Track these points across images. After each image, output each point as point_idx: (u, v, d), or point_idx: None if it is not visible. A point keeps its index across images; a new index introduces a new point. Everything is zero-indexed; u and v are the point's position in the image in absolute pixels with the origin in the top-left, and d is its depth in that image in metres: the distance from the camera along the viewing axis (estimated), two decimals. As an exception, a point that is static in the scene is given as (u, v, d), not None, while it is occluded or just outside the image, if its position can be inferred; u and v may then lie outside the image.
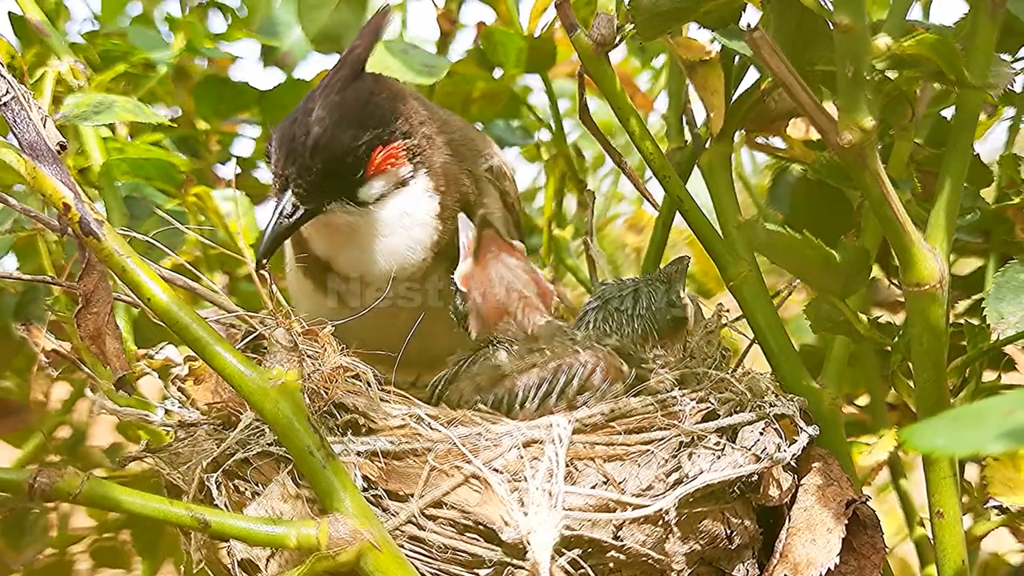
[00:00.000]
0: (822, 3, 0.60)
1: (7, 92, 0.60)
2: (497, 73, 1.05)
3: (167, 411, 0.70)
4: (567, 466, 0.60)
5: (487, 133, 1.20)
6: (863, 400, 1.02)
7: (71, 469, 0.56)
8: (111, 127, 0.94)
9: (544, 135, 1.19)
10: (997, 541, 0.95)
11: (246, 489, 0.63)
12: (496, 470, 0.60)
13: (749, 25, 0.58)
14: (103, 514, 1.17)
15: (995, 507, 0.77)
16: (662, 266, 0.81)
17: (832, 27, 0.55)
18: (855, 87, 0.55)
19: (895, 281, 0.91)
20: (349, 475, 0.59)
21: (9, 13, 0.97)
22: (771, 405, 0.68)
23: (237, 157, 1.14)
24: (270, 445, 0.62)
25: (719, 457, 0.64)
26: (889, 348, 0.82)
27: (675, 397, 0.65)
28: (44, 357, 0.73)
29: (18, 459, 1.06)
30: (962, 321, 0.78)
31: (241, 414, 0.64)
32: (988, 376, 0.81)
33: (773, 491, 0.66)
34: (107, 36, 1.04)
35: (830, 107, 0.60)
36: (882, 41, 0.56)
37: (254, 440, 0.63)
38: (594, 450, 0.62)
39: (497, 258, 0.78)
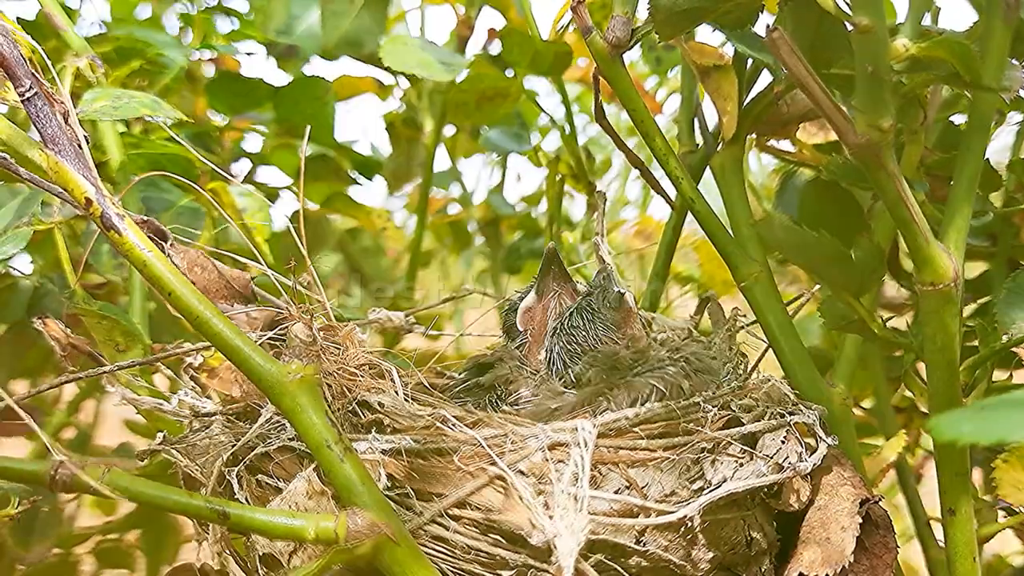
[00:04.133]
0: (839, 5, 0.61)
1: (30, 87, 0.60)
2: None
3: (181, 401, 0.70)
4: (591, 470, 0.60)
5: (488, 138, 1.22)
6: (868, 403, 1.03)
7: (92, 460, 0.56)
8: (126, 123, 0.95)
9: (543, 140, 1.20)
10: (1000, 543, 0.96)
11: (268, 484, 0.63)
12: (521, 472, 0.60)
13: (768, 26, 0.58)
14: (111, 511, 1.17)
15: (1003, 508, 0.77)
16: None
17: (851, 28, 0.55)
18: (874, 87, 0.56)
19: (903, 283, 0.92)
20: (367, 469, 0.59)
21: (18, 19, 0.98)
22: (791, 413, 0.69)
23: (250, 155, 1.14)
24: (291, 440, 0.63)
25: (742, 465, 0.64)
26: (898, 351, 0.82)
27: (698, 404, 0.65)
28: (60, 351, 0.73)
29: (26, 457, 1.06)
30: (970, 324, 0.78)
31: (261, 408, 0.64)
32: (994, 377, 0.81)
33: (793, 499, 0.67)
34: (115, 38, 1.04)
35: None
36: (900, 42, 0.57)
37: (275, 434, 0.63)
38: (618, 455, 0.62)
39: (557, 297, 0.80)
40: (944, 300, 0.63)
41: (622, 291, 0.76)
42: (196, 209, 0.90)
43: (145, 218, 0.60)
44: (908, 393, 1.01)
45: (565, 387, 0.72)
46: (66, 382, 0.68)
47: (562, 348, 0.75)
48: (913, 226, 0.61)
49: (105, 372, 0.70)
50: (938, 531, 0.85)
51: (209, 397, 0.72)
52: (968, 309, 0.93)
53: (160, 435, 0.69)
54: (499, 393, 0.73)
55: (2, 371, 0.98)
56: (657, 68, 1.19)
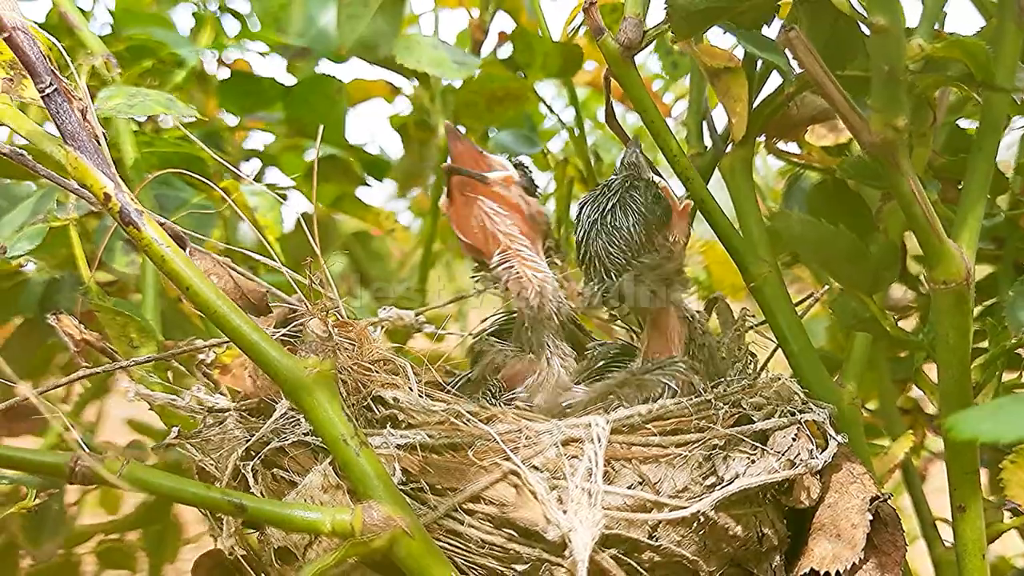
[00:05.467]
0: (853, 6, 0.62)
1: (50, 84, 0.61)
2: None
3: (194, 396, 0.71)
4: (605, 466, 0.60)
5: (497, 140, 1.22)
6: (873, 404, 1.03)
7: (111, 453, 0.57)
8: (138, 122, 0.95)
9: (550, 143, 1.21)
10: (1004, 545, 0.96)
11: (283, 478, 0.63)
12: (535, 467, 0.60)
13: (783, 26, 0.59)
14: (113, 510, 1.18)
15: (1010, 509, 0.78)
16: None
17: (868, 28, 0.56)
18: (890, 86, 0.57)
19: (910, 285, 0.93)
20: (382, 464, 0.59)
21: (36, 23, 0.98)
22: (801, 411, 0.69)
23: (260, 154, 1.15)
24: (306, 435, 0.63)
25: (754, 461, 0.64)
26: (904, 353, 0.82)
27: (709, 401, 0.66)
28: (74, 347, 0.73)
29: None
30: (977, 325, 0.79)
31: (275, 403, 0.65)
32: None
33: (803, 496, 0.67)
34: (128, 37, 1.05)
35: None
36: (916, 42, 0.58)
37: (289, 429, 0.63)
38: (631, 451, 0.63)
39: (473, 202, 0.73)
40: (957, 298, 0.64)
41: (656, 179, 0.72)
42: (208, 207, 0.90)
43: (163, 221, 0.61)
44: (913, 395, 1.02)
45: (594, 298, 0.70)
46: (81, 377, 0.68)
47: (602, 249, 0.70)
48: (926, 224, 0.61)
49: (119, 368, 0.70)
50: (943, 531, 0.85)
51: (222, 393, 0.73)
52: (976, 311, 0.93)
53: (175, 430, 0.69)
54: (491, 388, 0.73)
55: (13, 368, 0.98)
56: (673, 73, 1.20)
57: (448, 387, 0.75)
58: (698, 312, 0.77)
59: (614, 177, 0.73)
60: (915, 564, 1.09)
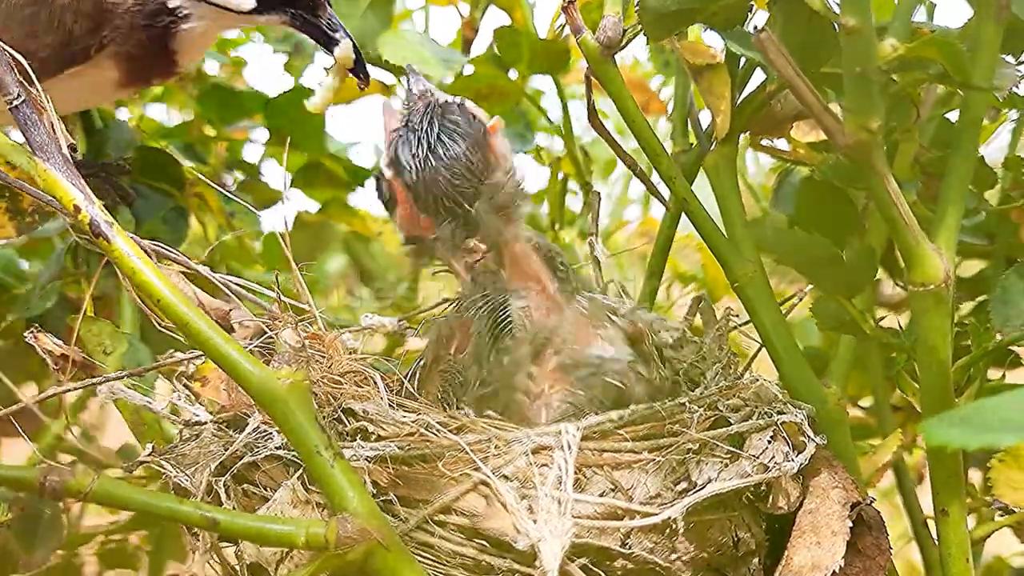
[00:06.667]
0: (828, 5, 0.61)
1: (18, 95, 0.60)
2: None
3: (173, 404, 0.70)
4: (576, 473, 0.59)
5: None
6: (866, 402, 1.02)
7: (81, 467, 0.57)
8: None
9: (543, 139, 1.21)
10: (1001, 545, 0.95)
11: (254, 494, 0.63)
12: (505, 477, 0.59)
13: (756, 27, 0.58)
14: (117, 511, 1.18)
15: (999, 508, 0.77)
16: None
17: (839, 29, 0.55)
18: (863, 88, 0.56)
19: (900, 282, 0.92)
20: (357, 475, 0.59)
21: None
22: (779, 412, 0.68)
23: (242, 162, 1.15)
24: (278, 449, 0.62)
25: (727, 465, 0.63)
26: (894, 354, 0.81)
27: (683, 404, 0.65)
28: (53, 364, 0.73)
29: (28, 460, 1.06)
30: (966, 322, 0.78)
31: (249, 416, 0.65)
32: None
33: (782, 500, 0.66)
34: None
35: (835, 108, 0.61)
36: (889, 43, 0.57)
37: (262, 443, 0.63)
38: (602, 457, 0.62)
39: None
40: (935, 301, 0.63)
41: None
42: (183, 213, 0.90)
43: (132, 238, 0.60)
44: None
45: (455, 236, 0.68)
46: (56, 394, 0.68)
47: (446, 182, 0.67)
48: (903, 226, 0.61)
49: (95, 384, 0.70)
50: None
51: (203, 405, 0.72)
52: (968, 308, 0.92)
53: (149, 446, 0.69)
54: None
55: (9, 375, 0.98)
56: (665, 70, 1.20)
57: (404, 380, 0.72)
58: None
59: (411, 108, 0.70)
60: (919, 562, 1.08)
